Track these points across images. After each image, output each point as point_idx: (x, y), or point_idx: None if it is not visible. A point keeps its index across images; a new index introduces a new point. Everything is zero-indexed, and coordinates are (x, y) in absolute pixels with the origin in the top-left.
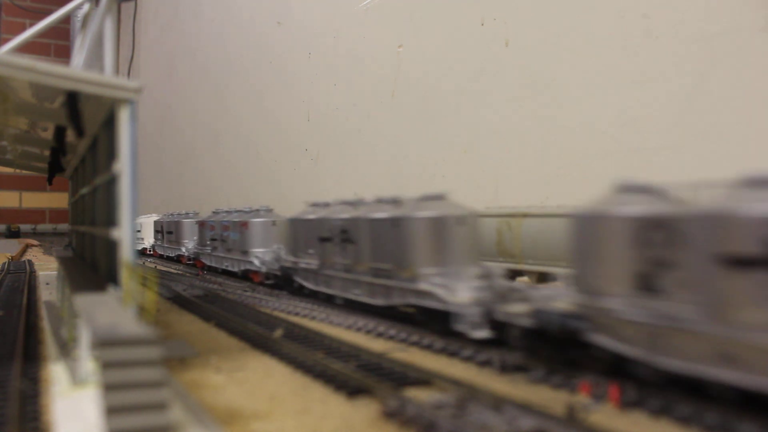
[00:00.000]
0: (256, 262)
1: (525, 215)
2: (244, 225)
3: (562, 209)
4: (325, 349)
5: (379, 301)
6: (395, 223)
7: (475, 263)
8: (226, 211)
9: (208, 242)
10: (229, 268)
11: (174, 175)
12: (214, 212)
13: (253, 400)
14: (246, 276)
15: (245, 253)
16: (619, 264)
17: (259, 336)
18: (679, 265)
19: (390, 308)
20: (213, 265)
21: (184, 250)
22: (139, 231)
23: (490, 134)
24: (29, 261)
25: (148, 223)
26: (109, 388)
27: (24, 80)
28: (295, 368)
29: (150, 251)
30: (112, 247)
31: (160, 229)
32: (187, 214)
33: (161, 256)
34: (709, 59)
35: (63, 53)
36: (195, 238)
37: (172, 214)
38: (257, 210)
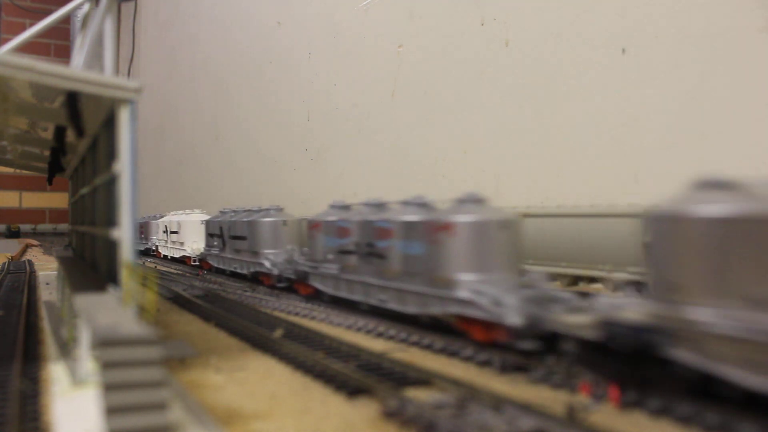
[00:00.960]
0: (483, 301)
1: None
2: (443, 229)
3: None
4: (325, 349)
5: None
6: None
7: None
8: (375, 204)
9: (331, 257)
10: (397, 308)
11: (173, 175)
12: (333, 206)
13: (253, 400)
14: (442, 324)
15: (445, 283)
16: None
17: (259, 336)
18: None
19: None
20: (345, 296)
21: (268, 264)
22: (175, 232)
23: (490, 134)
24: (29, 261)
25: (191, 222)
26: (109, 388)
27: (24, 80)
28: (295, 368)
29: (195, 261)
30: (112, 247)
31: (217, 233)
32: (268, 210)
33: (222, 272)
34: (709, 59)
35: (63, 53)
36: (290, 247)
37: (235, 211)
38: (459, 202)
